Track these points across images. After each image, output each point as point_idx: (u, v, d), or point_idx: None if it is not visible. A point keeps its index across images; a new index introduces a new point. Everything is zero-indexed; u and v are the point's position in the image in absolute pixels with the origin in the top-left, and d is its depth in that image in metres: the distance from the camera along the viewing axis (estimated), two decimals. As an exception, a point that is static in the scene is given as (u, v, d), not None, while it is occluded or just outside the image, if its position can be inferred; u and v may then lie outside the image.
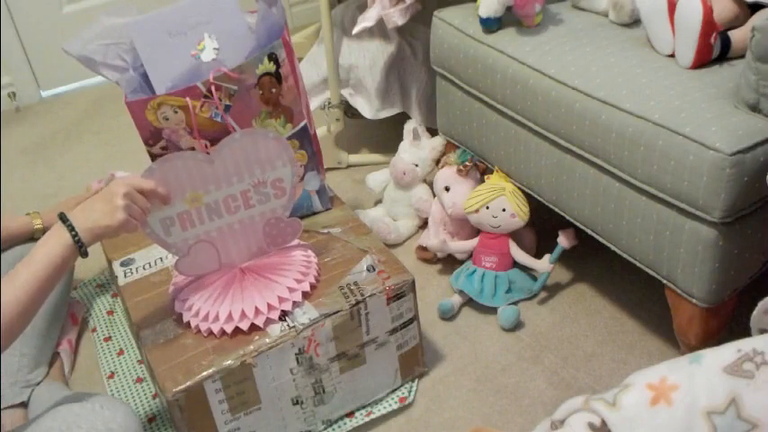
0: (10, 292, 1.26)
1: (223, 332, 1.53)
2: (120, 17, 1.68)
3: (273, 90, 1.64)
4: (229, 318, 1.53)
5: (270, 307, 1.55)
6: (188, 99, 1.59)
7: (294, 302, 1.57)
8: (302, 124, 1.72)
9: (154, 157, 1.65)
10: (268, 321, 1.54)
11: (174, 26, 1.68)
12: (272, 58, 1.61)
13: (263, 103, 1.65)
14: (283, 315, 1.56)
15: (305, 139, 1.74)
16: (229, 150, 1.51)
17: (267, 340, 1.50)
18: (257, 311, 1.54)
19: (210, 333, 1.54)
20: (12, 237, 1.82)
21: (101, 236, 1.37)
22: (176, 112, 1.60)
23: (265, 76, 1.62)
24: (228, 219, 1.56)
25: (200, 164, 1.49)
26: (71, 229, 1.33)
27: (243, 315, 1.53)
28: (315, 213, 1.84)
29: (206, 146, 1.65)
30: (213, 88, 1.59)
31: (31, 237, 1.86)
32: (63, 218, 1.35)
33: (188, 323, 1.57)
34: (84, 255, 1.36)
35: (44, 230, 1.85)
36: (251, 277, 1.60)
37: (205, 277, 1.62)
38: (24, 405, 1.73)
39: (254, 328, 1.54)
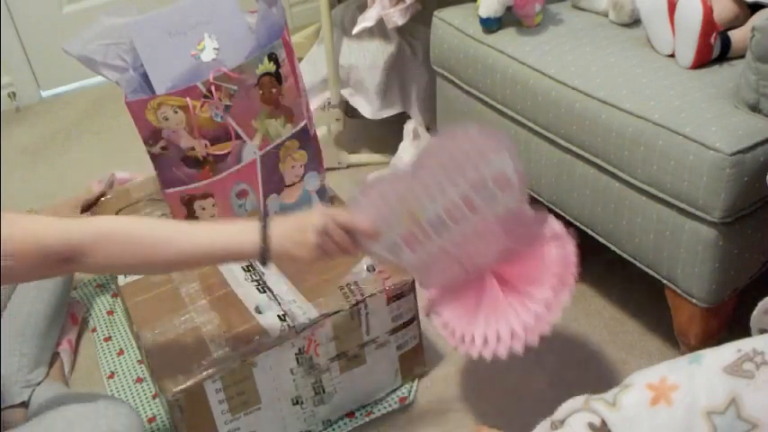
0: (175, 242, 1.26)
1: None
2: (120, 17, 1.68)
3: (273, 90, 1.65)
4: (485, 343, 1.43)
5: (527, 328, 1.41)
6: (188, 99, 1.59)
7: (550, 319, 1.42)
8: (302, 124, 1.72)
9: (154, 156, 1.65)
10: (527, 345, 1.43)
11: (173, 26, 1.68)
12: (273, 58, 1.61)
13: (264, 102, 1.65)
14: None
15: (305, 138, 1.74)
16: (429, 157, 1.35)
17: (267, 340, 1.50)
18: (514, 335, 1.41)
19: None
20: None
21: (287, 259, 1.32)
22: (176, 113, 1.60)
23: (265, 76, 1.63)
24: (459, 228, 1.39)
25: (403, 180, 1.36)
26: (263, 239, 1.28)
27: (499, 339, 1.42)
28: None
29: (206, 145, 1.65)
30: (213, 88, 1.59)
31: None
32: (264, 222, 1.29)
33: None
34: (264, 264, 1.30)
35: None
36: (501, 291, 1.45)
37: (456, 287, 1.49)
38: (25, 405, 1.73)
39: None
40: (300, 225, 1.30)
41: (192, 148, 1.65)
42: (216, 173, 1.69)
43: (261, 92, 1.64)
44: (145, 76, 1.69)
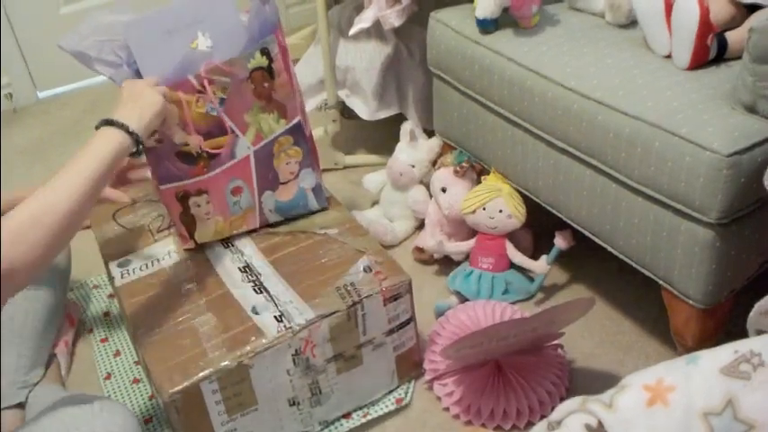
0: (62, 190, 1.27)
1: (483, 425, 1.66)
2: (116, 15, 1.67)
3: (266, 84, 1.64)
4: (491, 416, 1.65)
5: (531, 410, 1.65)
6: (181, 93, 1.58)
7: (552, 407, 1.63)
8: (296, 120, 1.71)
9: (148, 150, 1.63)
10: (528, 424, 1.65)
11: (167, 26, 1.66)
12: (265, 52, 1.61)
13: (256, 97, 1.65)
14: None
15: (299, 135, 1.73)
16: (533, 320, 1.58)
17: (264, 341, 1.50)
18: (519, 413, 1.64)
19: (469, 423, 1.67)
20: None
21: (150, 127, 1.46)
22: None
23: (257, 70, 1.62)
24: (508, 339, 1.61)
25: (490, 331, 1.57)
26: (121, 126, 1.39)
27: (505, 415, 1.65)
28: (312, 213, 1.84)
29: (200, 141, 1.64)
30: (206, 82, 1.58)
31: None
32: (110, 121, 1.40)
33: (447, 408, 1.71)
34: (140, 153, 1.43)
35: None
36: (510, 375, 1.67)
37: (467, 367, 1.71)
38: (21, 406, 1.73)
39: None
40: (130, 97, 1.46)
41: (186, 144, 1.64)
42: (210, 169, 1.68)
43: (253, 86, 1.63)
44: (139, 73, 1.68)
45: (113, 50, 1.66)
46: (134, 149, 1.43)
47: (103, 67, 1.67)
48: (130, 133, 1.40)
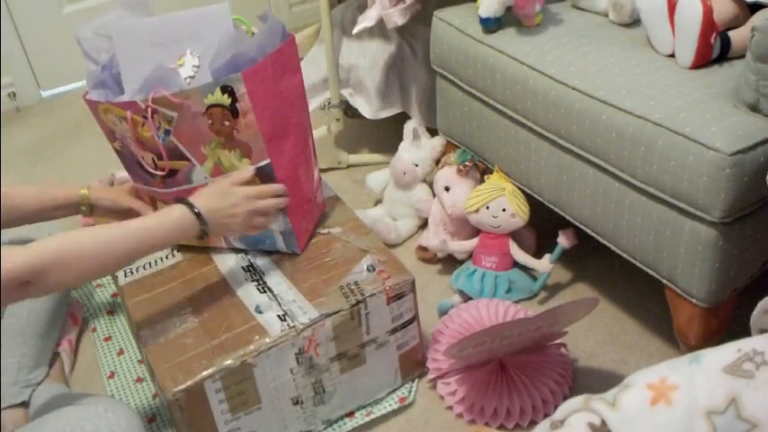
0: (119, 238, 1.37)
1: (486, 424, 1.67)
2: (133, 11, 1.65)
3: (226, 123, 1.52)
4: (494, 415, 1.66)
5: (534, 409, 1.65)
6: (129, 113, 1.53)
7: (556, 406, 1.62)
8: (263, 163, 1.58)
9: (116, 151, 1.64)
10: (531, 423, 1.65)
11: (158, 38, 1.59)
12: (227, 90, 1.48)
13: (214, 133, 1.54)
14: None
15: (267, 178, 1.59)
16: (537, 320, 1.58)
17: (267, 340, 1.50)
18: (522, 412, 1.65)
19: (472, 422, 1.68)
20: (59, 206, 1.69)
21: (218, 228, 1.52)
22: (121, 122, 1.56)
23: (216, 107, 1.50)
24: (512, 339, 1.61)
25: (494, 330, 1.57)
26: (195, 211, 1.47)
27: (508, 414, 1.65)
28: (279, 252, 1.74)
29: (153, 160, 1.60)
30: (150, 111, 1.51)
31: (78, 206, 1.72)
32: (188, 202, 1.47)
33: (450, 407, 1.72)
34: (204, 235, 1.50)
35: (89, 200, 1.71)
36: (513, 374, 1.68)
37: (471, 366, 1.72)
38: (25, 405, 1.73)
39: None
40: (229, 209, 1.52)
41: (142, 157, 1.61)
42: (166, 186, 1.64)
43: (210, 122, 1.53)
44: (116, 78, 1.63)
45: (102, 48, 1.63)
46: (199, 234, 1.49)
47: (88, 62, 1.64)
48: (199, 217, 1.47)
